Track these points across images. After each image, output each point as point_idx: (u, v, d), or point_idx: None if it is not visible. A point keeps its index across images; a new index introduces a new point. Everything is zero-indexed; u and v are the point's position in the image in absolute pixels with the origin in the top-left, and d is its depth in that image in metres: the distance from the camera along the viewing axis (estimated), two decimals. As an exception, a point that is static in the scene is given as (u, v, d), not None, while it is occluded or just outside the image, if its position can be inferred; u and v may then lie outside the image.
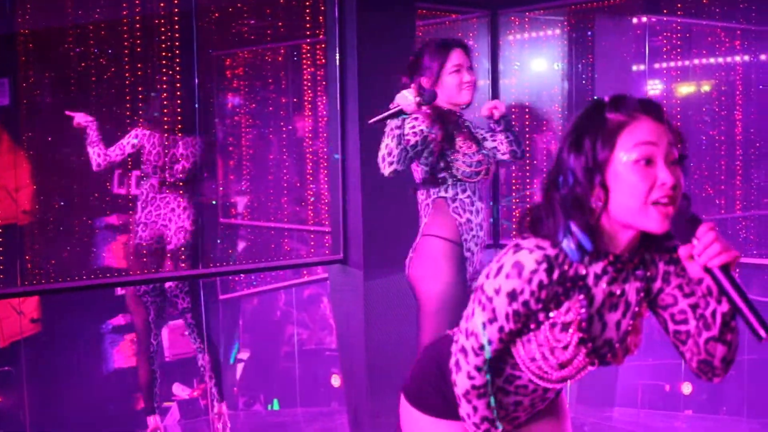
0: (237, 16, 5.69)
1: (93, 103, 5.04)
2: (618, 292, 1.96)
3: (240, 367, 7.16)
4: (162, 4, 4.84)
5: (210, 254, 5.72)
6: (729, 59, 6.02)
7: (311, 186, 6.02)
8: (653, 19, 5.80)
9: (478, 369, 1.99)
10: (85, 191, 5.31)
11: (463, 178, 3.68)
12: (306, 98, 6.06)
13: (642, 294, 1.99)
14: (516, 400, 2.12)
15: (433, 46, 3.82)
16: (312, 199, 6.01)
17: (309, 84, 5.96)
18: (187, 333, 5.20)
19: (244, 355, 7.31)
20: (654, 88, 6.12)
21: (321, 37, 5.27)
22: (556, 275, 1.88)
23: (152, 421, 5.06)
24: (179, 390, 5.75)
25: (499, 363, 2.06)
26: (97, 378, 6.06)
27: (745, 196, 5.94)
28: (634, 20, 5.80)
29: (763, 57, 5.91)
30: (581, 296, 1.92)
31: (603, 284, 1.94)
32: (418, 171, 3.80)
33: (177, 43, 4.90)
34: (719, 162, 5.95)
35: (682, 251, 1.81)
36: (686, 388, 6.20)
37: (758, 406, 6.12)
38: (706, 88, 6.21)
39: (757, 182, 5.90)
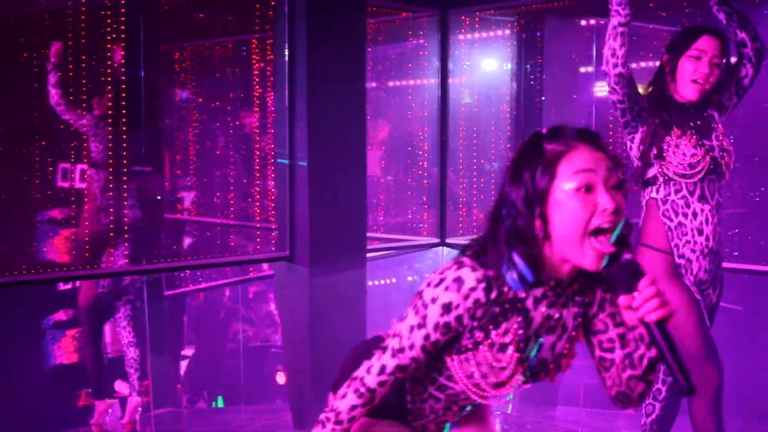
0: (186, 9, 5.63)
1: (36, 94, 4.95)
2: (556, 315, 2.01)
3: (184, 363, 7.10)
4: (108, -5, 4.78)
5: (155, 250, 5.66)
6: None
7: (258, 182, 5.98)
8: (601, 22, 5.85)
9: (382, 369, 2.00)
10: (27, 185, 5.21)
11: (674, 177, 3.31)
12: (255, 94, 6.02)
13: (579, 319, 2.04)
14: (446, 406, 2.16)
15: (690, 25, 3.48)
16: (259, 195, 5.98)
17: (258, 79, 5.92)
18: (123, 325, 5.39)
19: (189, 351, 7.25)
20: (602, 90, 6.18)
21: (270, 32, 5.24)
22: (494, 296, 1.92)
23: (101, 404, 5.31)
24: (121, 387, 5.68)
25: (432, 373, 2.09)
26: (38, 374, 5.97)
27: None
28: (583, 22, 5.86)
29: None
30: (519, 318, 1.96)
31: (542, 308, 1.98)
32: (633, 167, 3.44)
33: (123, 35, 4.83)
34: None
35: (623, 300, 1.85)
36: (628, 388, 6.27)
37: (698, 405, 6.22)
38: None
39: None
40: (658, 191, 3.33)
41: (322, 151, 4.77)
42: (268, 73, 5.73)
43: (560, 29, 5.84)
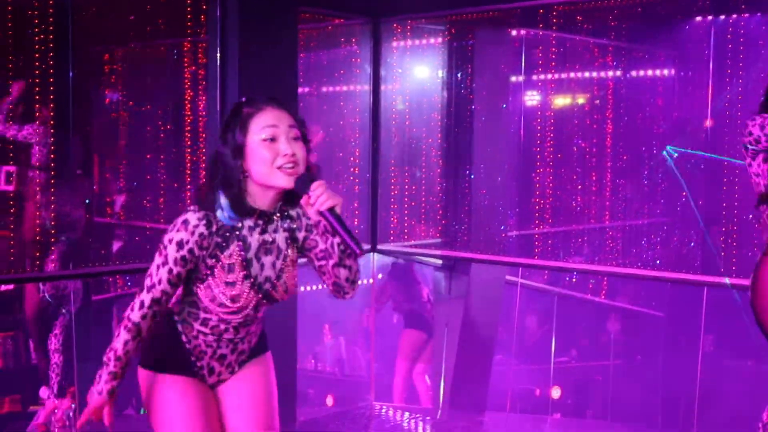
0: (116, 11, 5.57)
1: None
2: (270, 239, 2.61)
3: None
4: (36, -4, 4.71)
5: (83, 254, 5.58)
6: (602, 74, 6.24)
7: (189, 187, 5.94)
8: (531, 33, 5.96)
9: (141, 305, 2.53)
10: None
11: None
12: (186, 97, 5.98)
13: (289, 241, 2.65)
14: (216, 339, 2.66)
15: None
16: (190, 200, 5.93)
17: (189, 83, 5.88)
18: (56, 332, 5.48)
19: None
20: (532, 99, 6.29)
21: (203, 36, 5.22)
22: (214, 228, 2.52)
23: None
24: (47, 394, 5.58)
25: (192, 309, 2.63)
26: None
27: (613, 207, 6.16)
28: (513, 33, 5.95)
29: (633, 73, 6.14)
30: (239, 243, 2.56)
31: (256, 234, 2.59)
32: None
33: (51, 36, 4.76)
34: (590, 173, 6.15)
35: (303, 201, 2.48)
36: (555, 393, 6.39)
37: (621, 409, 6.35)
38: (580, 100, 6.42)
39: (623, 194, 6.12)
40: None
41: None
42: (200, 77, 5.71)
43: (491, 39, 5.92)
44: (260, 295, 2.61)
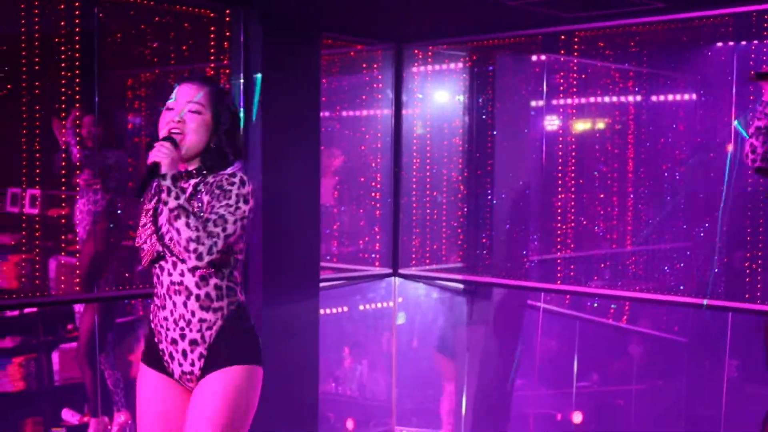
0: (141, 37, 5.63)
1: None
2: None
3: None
4: (63, 23, 4.77)
5: (107, 277, 5.62)
6: (623, 99, 6.23)
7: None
8: (552, 58, 5.97)
9: None
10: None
11: None
12: (209, 122, 6.01)
13: (193, 201, 2.82)
14: (165, 316, 2.82)
15: None
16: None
17: (212, 108, 5.92)
18: (108, 351, 5.64)
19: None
20: (551, 123, 6.29)
21: (226, 62, 5.27)
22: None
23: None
24: (69, 416, 5.61)
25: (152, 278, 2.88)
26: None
27: (636, 232, 6.14)
28: (534, 58, 5.97)
29: (654, 98, 6.14)
30: (157, 196, 2.81)
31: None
32: None
33: (77, 63, 4.83)
34: (612, 198, 6.14)
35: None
36: (577, 418, 6.34)
37: (645, 434, 6.30)
38: (601, 125, 6.42)
39: (645, 219, 6.10)
40: None
41: (276, 180, 4.79)
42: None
43: (512, 64, 5.94)
44: (159, 245, 2.80)
